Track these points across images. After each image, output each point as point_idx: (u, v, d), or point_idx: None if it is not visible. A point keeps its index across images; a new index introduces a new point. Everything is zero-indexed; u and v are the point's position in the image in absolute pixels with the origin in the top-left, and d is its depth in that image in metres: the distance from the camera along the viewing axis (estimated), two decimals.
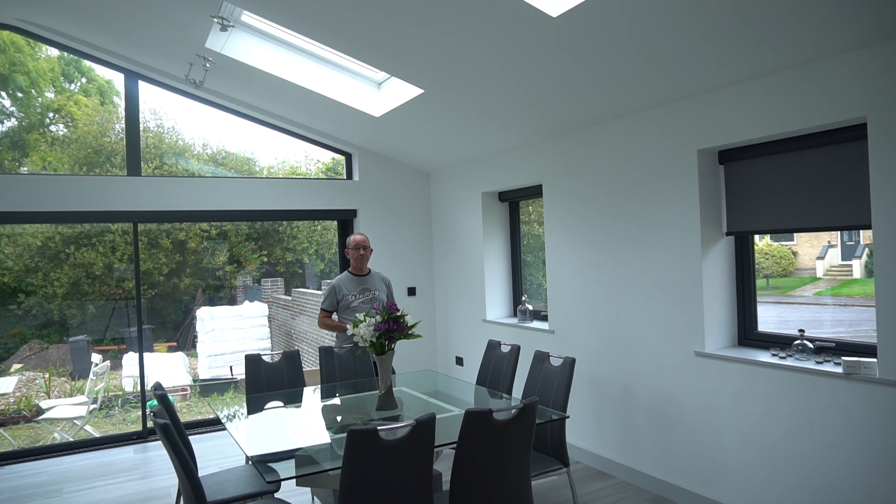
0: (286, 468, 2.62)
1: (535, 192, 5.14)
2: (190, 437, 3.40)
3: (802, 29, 2.69)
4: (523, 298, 5.38)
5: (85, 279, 7.72)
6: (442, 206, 6.26)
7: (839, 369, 2.94)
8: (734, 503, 3.42)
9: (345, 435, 2.34)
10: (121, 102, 5.39)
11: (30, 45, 6.10)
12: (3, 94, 6.32)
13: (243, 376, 4.15)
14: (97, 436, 5.87)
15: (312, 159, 7.57)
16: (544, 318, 5.10)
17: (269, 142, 7.10)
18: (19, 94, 6.49)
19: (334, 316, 4.43)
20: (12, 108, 6.57)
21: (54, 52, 6.51)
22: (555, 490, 4.01)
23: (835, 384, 2.93)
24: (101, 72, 7.18)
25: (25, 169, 6.72)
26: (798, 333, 3.31)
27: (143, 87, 5.28)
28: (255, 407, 3.68)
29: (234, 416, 3.46)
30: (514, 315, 5.63)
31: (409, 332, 3.46)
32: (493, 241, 5.66)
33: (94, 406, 6.50)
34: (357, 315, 3.62)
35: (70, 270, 7.61)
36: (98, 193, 5.05)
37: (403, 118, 4.94)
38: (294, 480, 2.56)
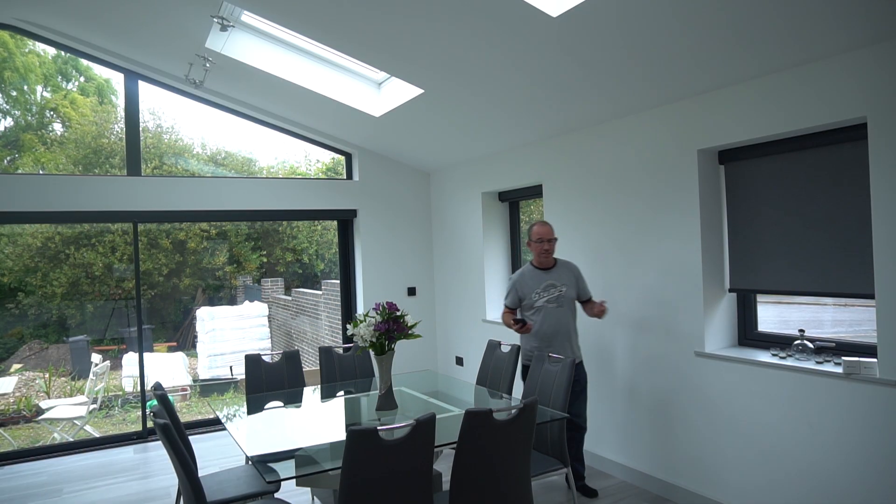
0: (286, 468, 2.62)
1: (535, 192, 5.14)
2: (190, 437, 3.40)
3: (802, 29, 2.69)
4: None
5: (84, 279, 7.72)
6: (442, 206, 6.26)
7: (839, 369, 2.94)
8: (734, 503, 3.42)
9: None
10: (120, 102, 5.39)
11: (15, 38, 6.02)
12: None
13: (243, 376, 4.15)
14: (97, 436, 5.87)
15: (312, 159, 7.58)
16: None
17: (269, 142, 7.11)
18: (12, 93, 6.47)
19: (519, 314, 3.98)
20: (7, 107, 6.56)
21: (50, 50, 6.50)
22: (555, 490, 4.01)
23: (835, 384, 2.93)
24: (99, 70, 7.18)
25: (20, 171, 6.71)
26: (798, 333, 3.31)
27: (143, 87, 5.28)
28: (255, 407, 3.68)
29: (234, 416, 3.46)
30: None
31: (409, 332, 3.46)
32: (493, 241, 5.66)
33: (94, 406, 6.50)
34: (538, 314, 3.71)
35: (70, 270, 7.61)
36: (98, 193, 5.05)
37: (403, 118, 4.94)
38: (294, 480, 2.56)
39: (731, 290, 3.65)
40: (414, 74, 4.14)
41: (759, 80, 3.18)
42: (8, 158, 6.66)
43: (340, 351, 4.39)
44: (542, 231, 3.87)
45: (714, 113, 3.44)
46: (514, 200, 5.62)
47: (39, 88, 6.93)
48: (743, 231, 3.54)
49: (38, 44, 6.35)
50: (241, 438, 2.96)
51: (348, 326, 3.46)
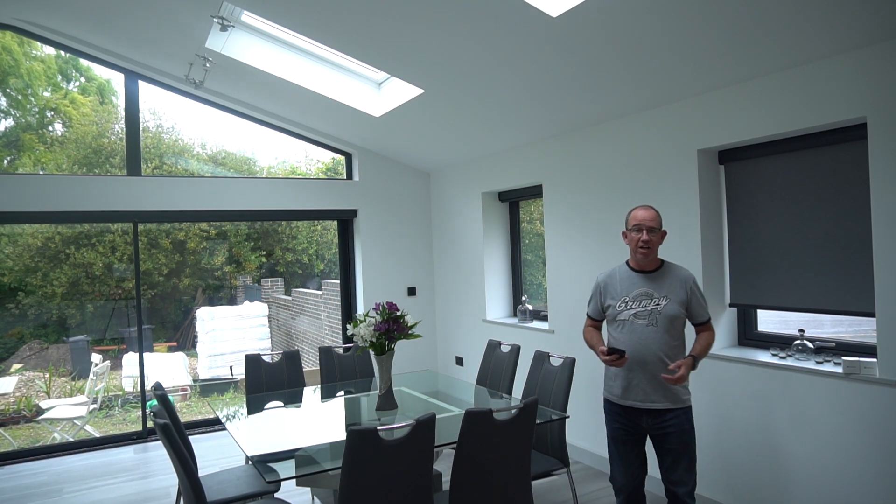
0: (286, 468, 2.62)
1: (535, 192, 5.14)
2: (190, 437, 3.40)
3: (802, 29, 2.69)
4: (523, 298, 5.38)
5: (84, 279, 7.72)
6: (442, 206, 6.26)
7: (839, 369, 2.94)
8: (734, 503, 3.42)
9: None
10: (120, 102, 5.40)
11: (23, 46, 6.07)
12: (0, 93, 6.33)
13: (243, 376, 4.15)
14: (97, 436, 5.87)
15: (312, 159, 7.58)
16: (544, 318, 5.10)
17: (269, 142, 7.11)
18: (16, 96, 6.49)
19: (605, 329, 2.96)
20: (9, 108, 6.57)
21: (51, 49, 6.52)
22: (555, 490, 4.01)
23: (835, 384, 2.93)
24: (100, 70, 7.18)
25: (22, 171, 6.71)
26: (798, 333, 3.31)
27: (143, 87, 5.28)
28: (255, 407, 3.68)
29: (234, 416, 3.46)
30: (514, 315, 5.63)
31: (409, 332, 3.46)
32: (493, 241, 5.66)
33: (94, 406, 6.50)
34: (621, 331, 2.74)
35: (70, 270, 7.61)
36: (98, 193, 5.05)
37: (403, 118, 4.94)
38: (294, 480, 2.56)
39: (731, 305, 3.65)
40: (414, 74, 4.14)
41: (759, 80, 3.18)
42: (8, 158, 6.66)
43: (340, 351, 4.39)
44: (642, 215, 2.77)
45: (714, 113, 3.44)
46: (514, 200, 5.62)
47: (41, 91, 6.94)
48: (743, 237, 3.53)
49: (41, 50, 6.38)
50: (241, 438, 2.96)
51: (348, 326, 3.46)
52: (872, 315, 2.84)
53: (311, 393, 4.00)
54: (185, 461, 2.59)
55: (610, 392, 2.90)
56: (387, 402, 3.47)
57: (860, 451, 2.83)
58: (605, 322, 2.95)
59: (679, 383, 2.63)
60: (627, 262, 2.90)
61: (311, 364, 8.06)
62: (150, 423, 5.39)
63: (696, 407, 3.62)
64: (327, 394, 3.97)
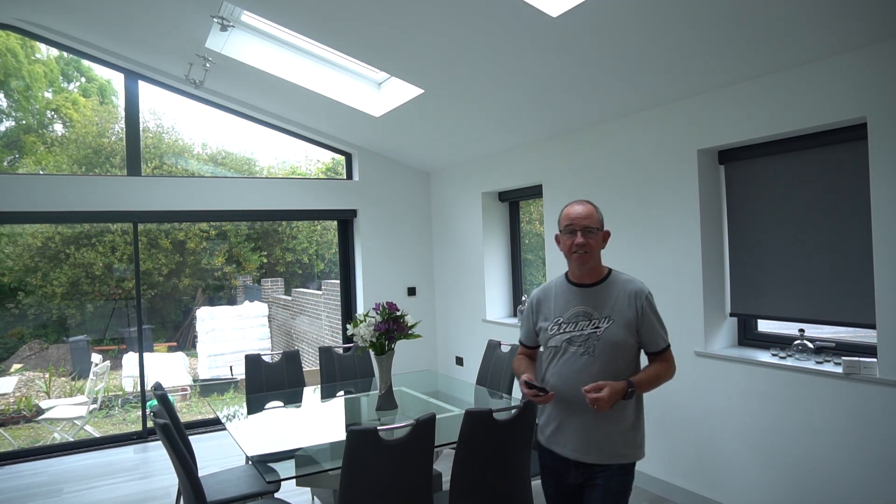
0: (286, 468, 2.62)
1: (535, 192, 5.14)
2: (190, 437, 3.40)
3: (802, 29, 2.69)
4: (523, 298, 5.38)
5: (84, 279, 7.72)
6: (442, 206, 6.26)
7: (839, 369, 2.94)
8: (734, 503, 3.42)
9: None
10: (120, 102, 5.40)
11: (25, 48, 6.09)
12: (0, 94, 6.34)
13: (243, 376, 4.15)
14: (97, 436, 5.87)
15: (312, 159, 7.58)
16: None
17: (269, 142, 7.11)
18: (17, 97, 6.50)
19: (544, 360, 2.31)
20: (9, 109, 6.58)
21: (53, 51, 6.53)
22: None
23: (835, 384, 2.93)
24: (100, 71, 7.19)
25: (22, 171, 6.71)
26: (798, 333, 3.30)
27: (143, 87, 5.28)
28: (255, 407, 3.68)
29: (234, 416, 3.46)
30: (514, 315, 5.63)
31: (409, 332, 3.46)
32: (493, 241, 5.66)
33: (94, 406, 6.50)
34: (552, 361, 2.17)
35: (70, 270, 7.61)
36: (98, 193, 5.05)
37: (403, 118, 4.94)
38: (294, 480, 2.56)
39: (732, 315, 3.65)
40: (414, 74, 4.14)
41: (759, 80, 3.18)
42: (9, 159, 6.66)
43: (340, 351, 4.39)
44: (575, 212, 2.22)
45: (714, 113, 3.44)
46: (514, 200, 5.62)
47: (41, 93, 6.95)
48: (743, 242, 3.52)
49: (43, 53, 6.39)
50: (241, 438, 2.96)
51: (348, 326, 3.46)
52: (873, 327, 2.84)
53: (311, 393, 4.00)
54: (185, 461, 2.59)
55: (541, 433, 2.28)
56: (387, 402, 3.47)
57: (860, 452, 2.83)
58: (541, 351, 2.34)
59: (596, 405, 1.97)
60: (566, 274, 2.32)
61: (311, 364, 8.06)
62: (150, 423, 5.39)
63: (697, 407, 3.62)
64: (327, 394, 3.97)
